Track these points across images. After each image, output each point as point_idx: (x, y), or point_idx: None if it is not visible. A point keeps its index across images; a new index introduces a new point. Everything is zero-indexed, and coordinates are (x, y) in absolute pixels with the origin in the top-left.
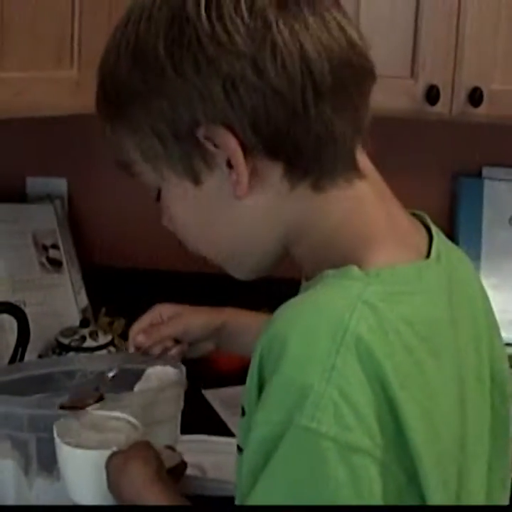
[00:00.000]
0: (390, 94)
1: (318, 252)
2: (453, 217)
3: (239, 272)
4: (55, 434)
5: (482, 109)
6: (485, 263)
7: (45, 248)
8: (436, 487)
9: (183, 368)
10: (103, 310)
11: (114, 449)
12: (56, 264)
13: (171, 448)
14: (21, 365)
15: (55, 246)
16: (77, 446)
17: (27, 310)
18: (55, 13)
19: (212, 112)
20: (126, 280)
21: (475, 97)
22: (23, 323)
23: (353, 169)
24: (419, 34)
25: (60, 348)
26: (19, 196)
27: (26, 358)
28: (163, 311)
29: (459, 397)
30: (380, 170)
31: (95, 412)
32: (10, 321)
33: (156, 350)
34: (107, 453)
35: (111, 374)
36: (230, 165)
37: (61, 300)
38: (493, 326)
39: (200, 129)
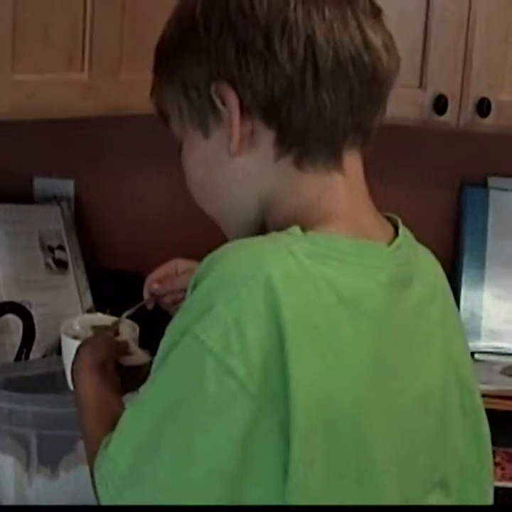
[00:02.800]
0: (397, 104)
1: (281, 226)
2: (458, 227)
3: (227, 233)
4: (61, 328)
5: (490, 120)
6: (489, 273)
7: (51, 249)
8: (300, 457)
9: None
10: (107, 312)
11: None
12: (62, 265)
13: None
14: (26, 363)
15: (61, 247)
16: (74, 337)
17: (32, 311)
18: (67, 16)
19: (223, 70)
20: (132, 283)
21: (483, 107)
22: (28, 323)
23: (334, 161)
24: (428, 44)
25: None
26: (26, 197)
27: (31, 358)
28: (178, 264)
29: (376, 378)
30: (385, 178)
31: (96, 315)
32: (15, 321)
33: (168, 299)
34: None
35: (125, 315)
36: (230, 122)
37: (66, 301)
38: (454, 328)
39: (213, 85)
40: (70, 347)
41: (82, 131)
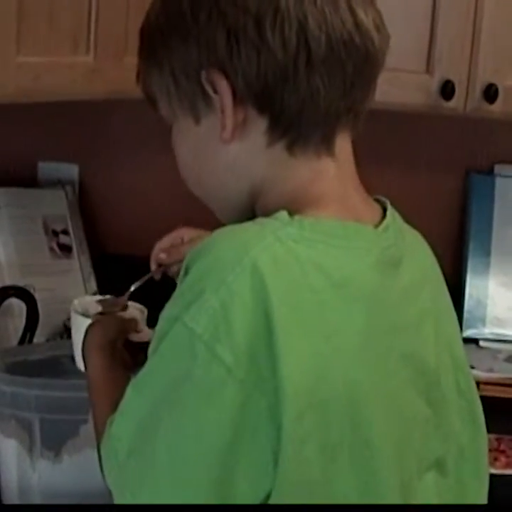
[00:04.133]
0: (404, 89)
1: (270, 211)
2: (464, 214)
3: (220, 216)
4: (71, 306)
5: (497, 106)
6: (495, 260)
7: (56, 233)
8: (290, 439)
9: None
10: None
11: None
12: (66, 249)
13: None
14: (29, 347)
15: (65, 232)
16: (83, 315)
17: (36, 295)
18: None
19: (214, 58)
20: (136, 268)
21: (490, 93)
22: (32, 307)
23: (326, 145)
24: (436, 29)
25: (67, 334)
26: (30, 181)
27: (34, 342)
28: (184, 233)
29: (369, 359)
30: (391, 164)
31: (107, 297)
32: (19, 305)
33: (174, 268)
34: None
35: (133, 287)
36: (222, 110)
37: (70, 286)
38: (445, 311)
39: (203, 71)
40: (79, 324)
41: (86, 115)
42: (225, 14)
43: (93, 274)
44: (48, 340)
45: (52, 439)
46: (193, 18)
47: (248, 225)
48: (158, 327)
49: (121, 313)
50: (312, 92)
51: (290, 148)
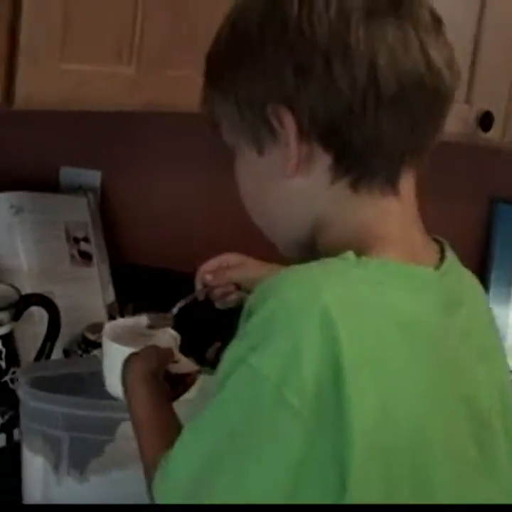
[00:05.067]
0: None
1: (335, 247)
2: (487, 243)
3: (280, 248)
4: (103, 330)
5: None
6: None
7: (77, 241)
8: (356, 483)
9: None
10: (130, 307)
11: (141, 347)
12: (86, 257)
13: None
14: (51, 362)
15: (86, 239)
16: (114, 340)
17: (55, 302)
18: (118, 9)
19: (280, 91)
20: (154, 279)
21: None
22: (54, 316)
23: (391, 184)
24: (478, 59)
25: (85, 344)
26: (52, 186)
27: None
28: (230, 258)
29: (433, 401)
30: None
31: (138, 318)
32: (39, 313)
33: (218, 292)
34: (131, 350)
35: (178, 306)
36: (287, 144)
37: (88, 294)
38: (497, 352)
39: (269, 104)
40: (113, 352)
41: (110, 121)
42: (293, 48)
43: (111, 283)
44: (65, 349)
45: (78, 457)
46: (261, 50)
47: (315, 266)
48: (222, 366)
49: (157, 342)
50: (379, 131)
51: (354, 185)
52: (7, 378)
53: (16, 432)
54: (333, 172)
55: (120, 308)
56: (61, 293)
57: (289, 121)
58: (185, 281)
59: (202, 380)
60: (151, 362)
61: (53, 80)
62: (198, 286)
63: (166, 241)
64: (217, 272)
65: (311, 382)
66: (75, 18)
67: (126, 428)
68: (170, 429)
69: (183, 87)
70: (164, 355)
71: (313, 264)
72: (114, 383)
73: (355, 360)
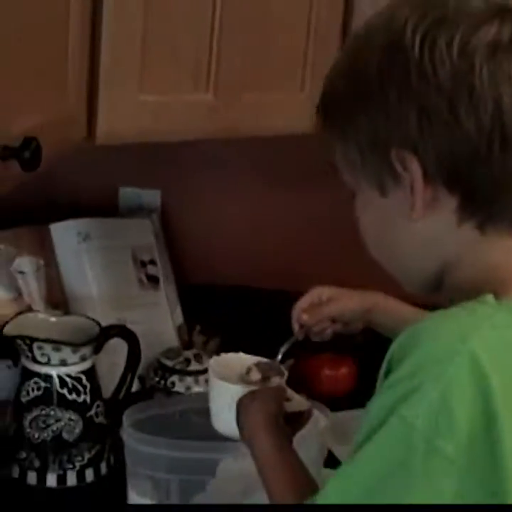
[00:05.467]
0: None
1: (463, 289)
2: None
3: (402, 284)
4: (209, 366)
5: None
6: None
7: (143, 264)
8: None
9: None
10: (198, 328)
11: (252, 388)
12: (154, 280)
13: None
14: (154, 402)
15: (152, 262)
16: (223, 378)
17: None
18: (194, 36)
19: (404, 137)
20: (220, 297)
21: None
22: (134, 347)
23: None
24: None
25: (162, 370)
26: (111, 207)
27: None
28: (322, 292)
29: None
30: None
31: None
32: (116, 341)
33: (316, 329)
34: (244, 389)
35: (282, 351)
36: (411, 188)
37: (158, 318)
38: None
39: (393, 149)
40: (222, 391)
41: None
42: (418, 93)
43: (179, 305)
44: (140, 376)
45: (183, 496)
46: (383, 94)
47: (459, 313)
48: (370, 416)
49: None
50: (505, 172)
51: (482, 227)
52: (92, 413)
53: (102, 465)
54: (459, 214)
55: (189, 330)
56: (132, 319)
57: (414, 167)
58: (250, 298)
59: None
60: (271, 405)
61: (132, 113)
62: (296, 326)
63: (226, 258)
64: (312, 309)
65: (464, 430)
66: (153, 47)
67: (227, 465)
68: (297, 476)
69: (261, 111)
70: (280, 396)
71: (456, 311)
72: (222, 421)
73: (505, 405)
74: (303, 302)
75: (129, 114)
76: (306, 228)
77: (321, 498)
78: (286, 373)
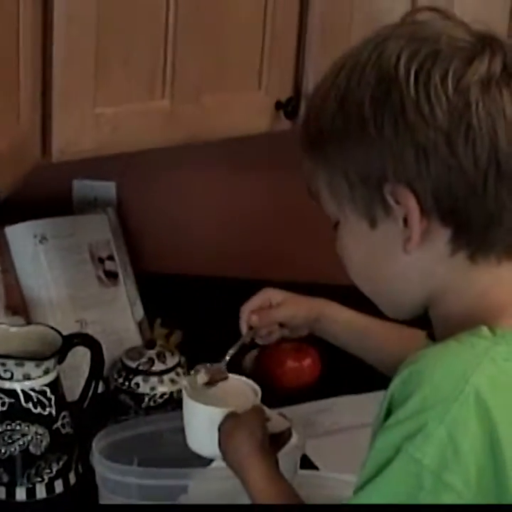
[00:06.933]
0: None
1: (452, 318)
2: None
3: (386, 312)
4: (183, 387)
5: None
6: None
7: (102, 260)
8: None
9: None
10: (158, 321)
11: (231, 409)
12: (113, 276)
13: (282, 415)
14: (126, 424)
15: (110, 257)
16: (198, 400)
17: (87, 330)
18: (148, 43)
19: (400, 173)
20: (179, 288)
21: None
22: (97, 354)
23: (508, 252)
24: None
25: (126, 371)
26: (66, 202)
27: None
28: (272, 296)
29: None
30: None
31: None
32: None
33: (263, 331)
34: (220, 410)
35: (229, 355)
36: (405, 221)
37: (119, 315)
38: None
39: (387, 184)
40: (198, 412)
41: None
42: (414, 129)
43: (139, 299)
44: (105, 377)
45: None
46: (377, 130)
47: (457, 348)
48: (375, 454)
49: (243, 398)
50: (499, 206)
51: (473, 257)
52: (58, 424)
53: (71, 475)
54: (452, 246)
55: (150, 324)
56: (93, 319)
57: (410, 202)
58: (213, 288)
59: None
60: (257, 433)
61: (89, 127)
62: (244, 329)
63: (183, 247)
64: (262, 311)
65: (472, 465)
66: (106, 58)
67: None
68: (290, 501)
69: (219, 113)
70: (262, 420)
71: (454, 345)
72: (197, 441)
73: (509, 441)
74: (252, 304)
75: (86, 128)
76: (271, 217)
77: None
78: (259, 390)
